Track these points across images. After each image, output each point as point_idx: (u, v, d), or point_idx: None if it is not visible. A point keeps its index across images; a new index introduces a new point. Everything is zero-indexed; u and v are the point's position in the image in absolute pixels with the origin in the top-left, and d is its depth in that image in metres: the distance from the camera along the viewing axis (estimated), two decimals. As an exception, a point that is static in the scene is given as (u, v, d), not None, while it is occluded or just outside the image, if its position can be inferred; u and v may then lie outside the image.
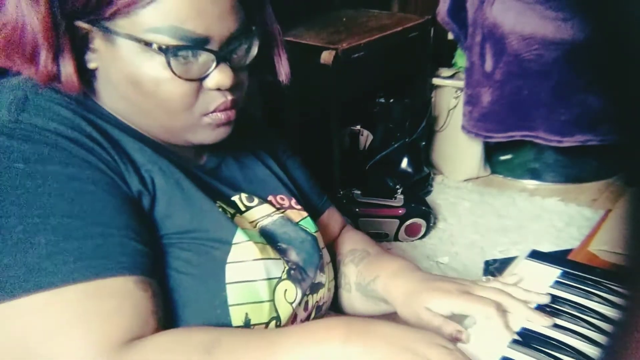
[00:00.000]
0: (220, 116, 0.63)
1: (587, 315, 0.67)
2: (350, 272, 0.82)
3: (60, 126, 0.57)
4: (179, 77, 0.58)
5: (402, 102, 2.04)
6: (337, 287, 0.84)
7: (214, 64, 0.60)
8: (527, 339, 0.64)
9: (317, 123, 1.86)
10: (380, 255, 0.82)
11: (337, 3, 2.31)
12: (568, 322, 0.66)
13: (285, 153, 0.86)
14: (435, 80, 2.22)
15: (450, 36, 2.12)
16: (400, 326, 0.56)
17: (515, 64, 1.90)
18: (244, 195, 0.71)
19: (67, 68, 0.58)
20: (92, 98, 0.63)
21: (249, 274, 0.62)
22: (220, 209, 0.65)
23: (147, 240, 0.58)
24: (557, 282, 0.74)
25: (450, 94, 2.19)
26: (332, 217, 0.90)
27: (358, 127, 2.08)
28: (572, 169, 2.16)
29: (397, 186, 1.99)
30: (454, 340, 0.63)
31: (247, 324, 0.61)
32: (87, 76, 0.62)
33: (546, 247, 1.70)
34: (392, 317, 0.72)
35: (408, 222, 1.88)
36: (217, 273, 0.61)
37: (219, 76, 0.60)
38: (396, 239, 1.90)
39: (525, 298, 0.69)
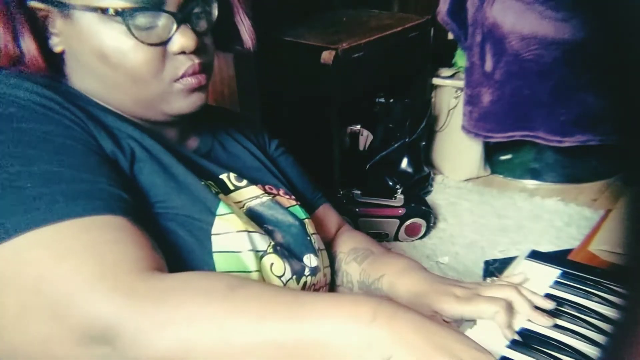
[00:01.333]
0: (191, 80, 0.64)
1: (587, 315, 0.67)
2: (353, 271, 0.82)
3: (33, 95, 0.57)
4: (141, 42, 0.59)
5: (402, 102, 2.04)
6: (336, 284, 0.84)
7: (175, 26, 0.61)
8: (526, 339, 0.64)
9: (317, 123, 1.86)
10: (385, 254, 0.82)
11: (337, 3, 2.31)
12: (568, 322, 0.66)
13: (278, 150, 0.87)
14: (435, 80, 2.22)
15: (450, 36, 2.12)
16: (430, 319, 0.51)
17: (515, 64, 1.90)
18: (232, 175, 0.72)
19: (30, 49, 0.59)
20: (67, 84, 0.64)
21: (234, 244, 0.62)
22: (204, 184, 0.65)
23: (129, 191, 0.58)
24: (556, 282, 0.74)
25: (450, 94, 2.19)
26: (328, 214, 0.90)
27: (358, 127, 2.07)
28: (572, 169, 2.16)
29: (397, 186, 1.99)
30: None
31: None
32: (56, 61, 0.63)
33: (546, 247, 1.70)
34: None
35: (408, 222, 1.88)
36: (203, 243, 0.61)
37: (181, 39, 0.61)
38: (396, 239, 1.90)
39: (531, 298, 0.69)
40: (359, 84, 1.92)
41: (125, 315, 0.47)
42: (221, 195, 0.67)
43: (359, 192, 1.92)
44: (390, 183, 2.05)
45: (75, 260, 0.49)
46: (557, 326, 0.66)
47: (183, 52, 0.62)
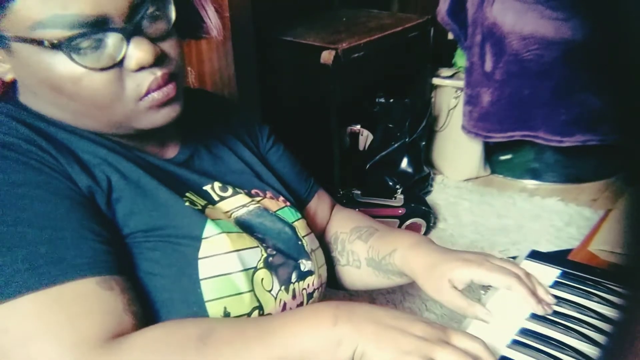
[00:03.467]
0: (157, 96, 0.57)
1: (587, 315, 0.67)
2: (359, 249, 0.82)
3: None
4: (91, 69, 0.53)
5: (402, 102, 2.04)
6: (338, 264, 0.84)
7: (125, 43, 0.54)
8: (526, 339, 0.64)
9: (317, 123, 1.86)
10: (391, 230, 0.83)
11: (337, 3, 2.31)
12: (568, 322, 0.66)
13: (269, 141, 0.83)
14: (435, 80, 2.22)
15: (450, 36, 2.12)
16: (383, 308, 0.58)
17: (515, 64, 1.90)
18: (217, 185, 0.69)
19: None
20: (31, 109, 0.60)
21: (224, 267, 0.60)
22: (188, 203, 0.62)
23: (106, 237, 0.55)
24: (556, 282, 0.74)
25: (450, 94, 2.19)
26: (321, 200, 0.89)
27: (358, 127, 2.07)
28: (572, 169, 2.16)
29: (397, 186, 1.99)
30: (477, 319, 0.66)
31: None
32: (10, 89, 0.59)
33: (546, 247, 1.70)
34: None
35: (408, 222, 1.88)
36: (189, 270, 0.59)
37: (137, 53, 0.54)
38: (396, 239, 1.90)
39: (536, 285, 0.70)
40: (359, 84, 1.92)
41: None
42: (209, 208, 0.65)
43: (359, 192, 1.92)
44: (390, 183, 2.05)
45: (33, 345, 0.48)
46: (557, 326, 0.66)
47: (142, 68, 0.56)
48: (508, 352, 0.62)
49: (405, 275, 0.76)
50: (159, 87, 0.57)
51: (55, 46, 0.51)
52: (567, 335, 0.64)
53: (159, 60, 0.56)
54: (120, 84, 0.56)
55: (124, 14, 0.53)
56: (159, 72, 0.57)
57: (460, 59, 2.18)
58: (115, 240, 0.57)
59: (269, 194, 0.75)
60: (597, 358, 0.59)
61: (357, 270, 0.83)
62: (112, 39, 0.54)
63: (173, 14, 0.58)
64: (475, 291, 0.72)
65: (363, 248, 0.82)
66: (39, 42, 0.51)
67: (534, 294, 0.67)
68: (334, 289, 0.87)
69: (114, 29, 0.53)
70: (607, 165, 2.13)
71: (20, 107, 0.60)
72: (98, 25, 0.52)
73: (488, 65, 1.96)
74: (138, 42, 0.55)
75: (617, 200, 1.94)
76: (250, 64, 1.61)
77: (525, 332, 0.65)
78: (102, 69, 0.54)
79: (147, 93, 0.57)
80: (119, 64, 0.55)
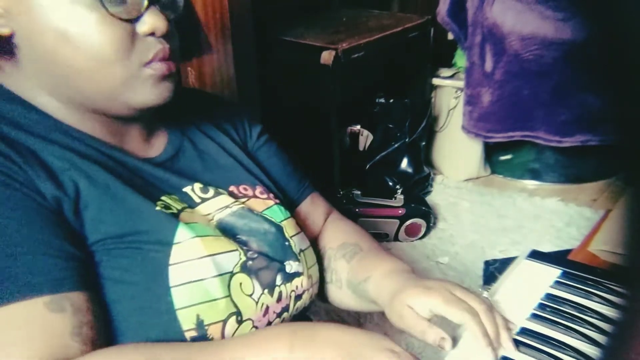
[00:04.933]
0: (161, 66, 0.59)
1: (587, 315, 0.67)
2: (342, 269, 0.79)
3: None
4: (112, 14, 0.54)
5: (402, 102, 2.04)
6: (325, 281, 0.81)
7: (145, 3, 0.56)
8: (527, 338, 0.64)
9: (317, 123, 1.86)
10: (373, 253, 0.79)
11: (337, 3, 2.31)
12: (568, 322, 0.66)
13: (260, 139, 0.82)
14: (435, 80, 2.22)
15: (450, 36, 2.12)
16: (349, 330, 0.56)
17: (515, 64, 1.90)
18: (197, 186, 0.67)
19: None
20: (9, 90, 0.59)
21: (196, 273, 0.58)
22: (161, 207, 0.60)
23: (67, 252, 0.54)
24: (557, 282, 0.74)
25: (450, 94, 2.19)
26: (315, 204, 0.86)
27: (358, 127, 2.07)
28: (572, 169, 2.16)
29: (397, 186, 1.99)
30: (438, 347, 0.61)
31: (199, 325, 0.58)
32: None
33: (546, 247, 1.70)
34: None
35: (408, 222, 1.88)
36: (158, 278, 0.57)
37: (152, 19, 0.57)
38: (396, 239, 1.90)
39: (495, 326, 0.63)
40: (359, 84, 1.93)
41: None
42: (186, 212, 0.63)
43: (358, 192, 1.92)
44: (390, 183, 2.05)
45: None
46: (557, 326, 0.66)
47: (152, 35, 0.57)
48: (508, 352, 0.62)
49: (378, 304, 0.73)
50: (164, 59, 0.59)
51: None
52: (567, 335, 0.64)
53: (167, 34, 0.58)
54: (130, 42, 0.57)
55: None
56: (166, 44, 0.59)
57: (460, 59, 2.18)
58: (80, 253, 0.55)
59: (258, 189, 0.73)
60: (597, 358, 0.59)
61: (338, 290, 0.80)
62: None
63: (182, 6, 0.61)
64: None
65: (345, 268, 0.79)
66: None
67: (486, 335, 0.61)
68: (324, 302, 0.85)
69: None
70: (607, 165, 2.13)
71: None
72: None
73: (488, 66, 1.96)
74: (154, 10, 0.57)
75: (617, 200, 1.94)
76: (250, 64, 1.61)
77: (525, 332, 0.65)
78: (121, 19, 0.55)
79: (152, 61, 0.58)
80: (134, 21, 0.56)
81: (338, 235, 0.84)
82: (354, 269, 0.78)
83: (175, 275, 0.58)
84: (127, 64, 0.57)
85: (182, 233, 0.59)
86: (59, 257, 0.53)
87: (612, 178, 2.15)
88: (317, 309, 1.43)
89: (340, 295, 0.81)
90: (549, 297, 0.71)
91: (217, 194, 0.68)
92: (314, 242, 0.85)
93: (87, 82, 0.57)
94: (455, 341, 0.63)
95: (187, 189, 0.66)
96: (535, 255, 0.81)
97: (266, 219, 0.70)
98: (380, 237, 1.87)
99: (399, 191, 1.94)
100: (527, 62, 1.87)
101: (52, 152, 0.57)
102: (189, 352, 0.54)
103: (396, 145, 2.07)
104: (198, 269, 0.58)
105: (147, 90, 0.59)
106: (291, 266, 0.69)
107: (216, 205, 0.67)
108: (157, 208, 0.60)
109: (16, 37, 0.56)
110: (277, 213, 0.72)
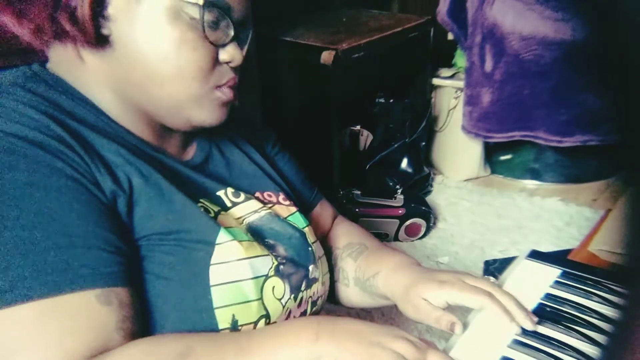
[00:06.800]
0: (229, 93, 0.65)
1: (587, 315, 0.67)
2: (349, 267, 0.82)
3: (25, 129, 0.54)
4: (206, 37, 0.59)
5: (402, 102, 2.04)
6: (333, 281, 0.84)
7: (232, 34, 0.62)
8: (527, 338, 0.64)
9: (317, 123, 1.86)
10: (379, 250, 0.82)
11: (337, 3, 2.31)
12: (568, 321, 0.66)
13: (275, 148, 0.85)
14: (435, 80, 2.22)
15: (450, 36, 2.12)
16: (366, 322, 0.58)
17: (515, 64, 1.90)
18: (230, 190, 0.70)
19: (85, 17, 0.56)
20: (66, 82, 0.61)
21: (234, 274, 0.60)
22: (202, 209, 0.63)
23: (118, 247, 0.55)
24: (557, 282, 0.74)
25: (450, 94, 2.19)
26: (324, 210, 0.89)
27: (358, 127, 2.08)
28: (572, 169, 2.16)
29: (397, 186, 1.99)
30: (449, 331, 0.65)
31: (234, 325, 0.60)
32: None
33: (546, 247, 1.70)
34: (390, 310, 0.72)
35: (408, 222, 1.88)
36: (200, 276, 0.59)
37: (234, 50, 0.63)
38: (396, 239, 1.90)
39: (511, 305, 0.66)
40: (359, 84, 1.93)
41: None
42: (221, 215, 0.65)
43: (359, 192, 1.92)
44: (390, 183, 2.06)
45: (18, 357, 0.49)
46: (557, 325, 0.66)
47: (228, 63, 0.63)
48: (508, 352, 0.62)
49: (388, 298, 0.76)
50: (232, 86, 0.65)
51: (205, 5, 0.58)
52: (567, 335, 0.64)
53: (238, 67, 0.65)
54: (212, 65, 0.62)
55: (238, 18, 0.62)
56: (236, 75, 0.65)
57: (460, 59, 2.18)
58: (128, 248, 0.57)
59: (281, 196, 0.76)
60: (597, 358, 0.60)
61: (345, 288, 0.83)
62: (225, 25, 0.61)
63: (248, 44, 0.67)
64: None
65: (352, 266, 0.82)
66: None
67: (507, 311, 0.65)
68: (332, 303, 0.87)
69: (232, 18, 0.62)
70: (607, 165, 2.13)
71: (56, 103, 0.59)
72: (226, 10, 0.61)
73: (488, 66, 1.96)
74: (235, 43, 0.63)
75: (617, 200, 1.94)
76: (250, 64, 1.61)
77: (525, 332, 0.65)
78: (212, 43, 0.60)
79: (222, 85, 0.64)
80: (220, 47, 0.62)
81: (343, 236, 0.87)
82: (361, 266, 0.80)
83: (215, 275, 0.59)
84: (203, 83, 0.62)
85: (222, 235, 0.61)
86: (111, 252, 0.54)
87: (612, 178, 2.16)
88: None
89: (347, 293, 0.83)
90: (549, 297, 0.71)
91: (247, 198, 0.70)
92: (322, 244, 0.87)
93: (162, 90, 0.61)
94: (465, 327, 0.66)
95: (220, 193, 0.69)
96: (535, 255, 0.81)
97: (290, 225, 0.72)
98: (380, 237, 1.87)
99: (399, 191, 1.94)
100: (527, 62, 1.87)
101: (109, 148, 0.59)
102: (221, 343, 0.56)
103: (396, 145, 2.07)
104: (236, 270, 0.61)
105: (211, 111, 0.64)
106: (312, 272, 0.71)
107: (246, 210, 0.69)
108: (200, 210, 0.63)
109: (113, 37, 0.59)
110: (300, 220, 0.74)
